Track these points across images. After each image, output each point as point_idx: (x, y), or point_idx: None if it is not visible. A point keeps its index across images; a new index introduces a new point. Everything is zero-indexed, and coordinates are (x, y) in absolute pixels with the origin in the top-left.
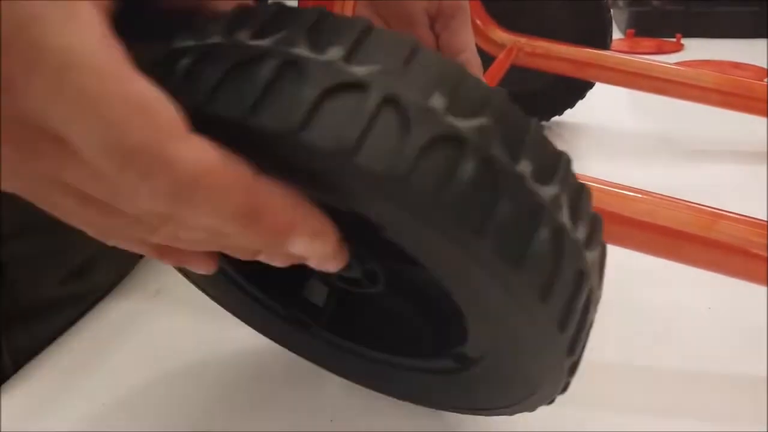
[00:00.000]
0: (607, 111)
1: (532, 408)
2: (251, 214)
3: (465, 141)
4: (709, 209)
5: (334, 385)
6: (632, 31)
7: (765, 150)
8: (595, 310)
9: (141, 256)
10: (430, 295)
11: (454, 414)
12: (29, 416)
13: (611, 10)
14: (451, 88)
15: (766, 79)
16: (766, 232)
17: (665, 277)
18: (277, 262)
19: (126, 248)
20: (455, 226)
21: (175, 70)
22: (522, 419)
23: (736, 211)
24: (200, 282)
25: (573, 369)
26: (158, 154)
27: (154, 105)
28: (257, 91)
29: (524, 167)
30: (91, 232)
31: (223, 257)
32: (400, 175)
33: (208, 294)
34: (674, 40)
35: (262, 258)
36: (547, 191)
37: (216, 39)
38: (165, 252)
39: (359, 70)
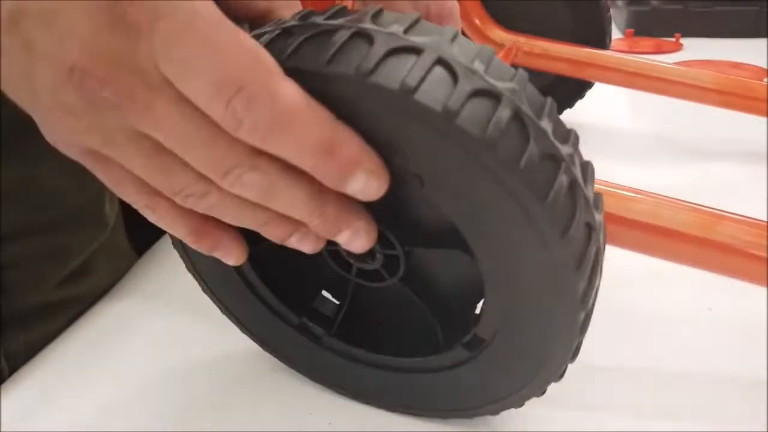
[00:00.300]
0: (606, 111)
1: (541, 389)
2: (328, 147)
3: (500, 95)
4: (710, 210)
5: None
6: (631, 30)
7: (764, 150)
8: (600, 275)
9: (137, 258)
10: (442, 283)
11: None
12: (27, 417)
13: (610, 10)
14: (487, 60)
15: (765, 79)
16: (766, 234)
17: (665, 278)
18: (309, 243)
19: (170, 223)
20: (495, 159)
21: (258, 42)
22: (522, 421)
23: (736, 212)
24: (216, 288)
25: (584, 326)
26: (264, 88)
27: (259, 51)
28: (333, 49)
29: (546, 125)
30: (141, 199)
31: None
32: (450, 111)
33: (221, 302)
34: (673, 39)
35: (295, 239)
36: (564, 149)
37: (292, 22)
38: (203, 233)
39: (416, 40)
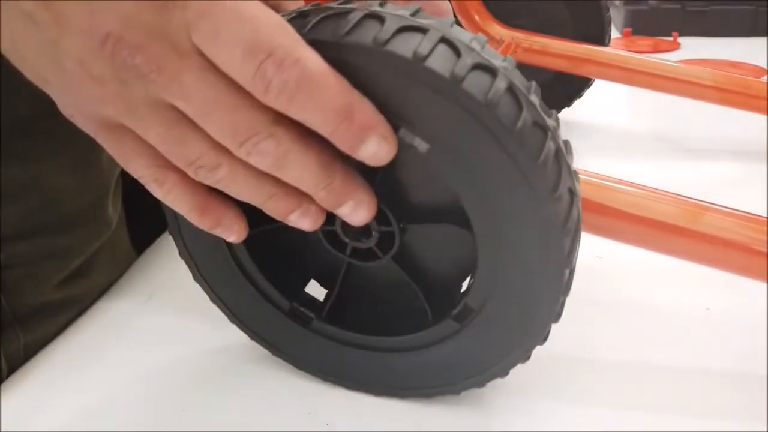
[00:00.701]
0: (605, 108)
1: (526, 354)
2: (347, 111)
3: (496, 70)
4: (695, 201)
5: (331, 388)
6: (629, 30)
7: (762, 147)
8: (579, 242)
9: (136, 258)
10: (431, 261)
11: (453, 415)
12: (27, 417)
13: (610, 9)
14: (482, 43)
15: (763, 78)
16: (751, 224)
17: (663, 277)
18: (309, 220)
19: (176, 197)
20: (495, 121)
21: None
22: (521, 419)
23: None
24: (208, 274)
25: (568, 284)
26: (292, 52)
27: (285, 23)
28: (350, 25)
29: (534, 99)
30: (150, 173)
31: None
32: (457, 77)
33: (211, 289)
34: (671, 39)
35: (296, 216)
36: (550, 121)
37: (307, 7)
38: (207, 209)
39: (422, 22)
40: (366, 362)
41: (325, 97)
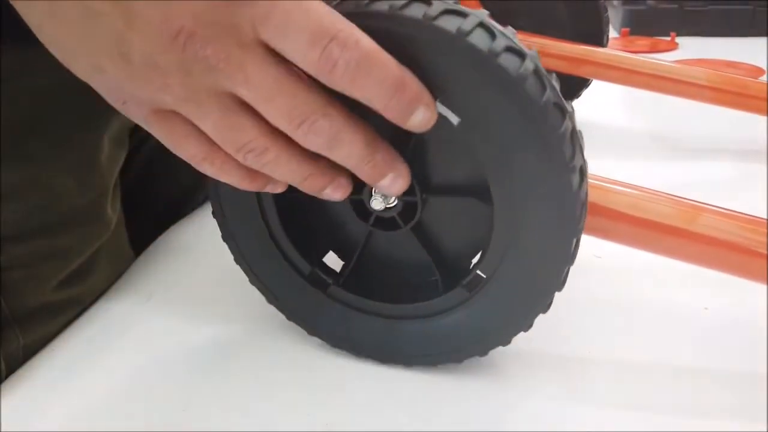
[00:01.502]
0: (602, 109)
1: (529, 322)
2: (399, 84)
3: (525, 54)
4: (691, 202)
5: (331, 389)
6: (627, 30)
7: (759, 147)
8: (585, 215)
9: (134, 258)
10: (446, 234)
11: (452, 416)
12: (27, 417)
13: (608, 10)
14: (512, 32)
15: (761, 77)
16: (748, 225)
17: (661, 276)
18: (340, 192)
19: (227, 171)
20: (524, 94)
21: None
22: (517, 418)
23: (730, 208)
24: (239, 234)
25: (575, 252)
26: (351, 35)
27: (335, 11)
28: (403, 2)
29: (555, 83)
30: (201, 152)
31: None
32: (494, 52)
33: (239, 249)
34: (669, 39)
35: (329, 190)
36: (567, 105)
37: None
38: (255, 176)
39: (462, 8)
40: (376, 329)
41: (382, 73)
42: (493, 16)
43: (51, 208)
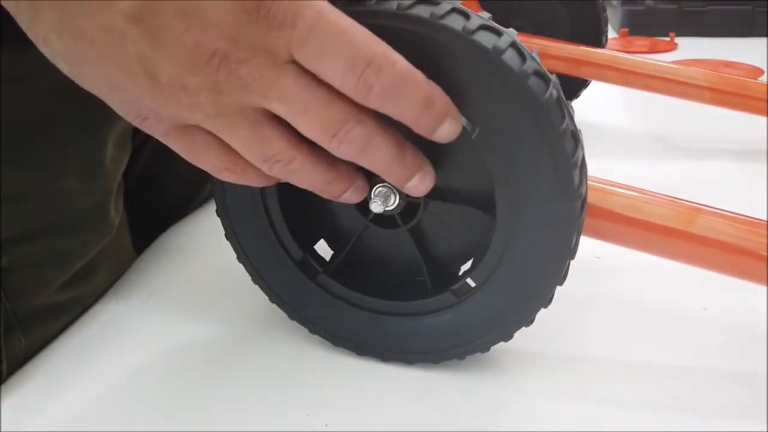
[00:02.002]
0: (601, 109)
1: (531, 317)
2: (429, 101)
3: (550, 80)
4: (689, 204)
5: (330, 389)
6: (626, 30)
7: (759, 147)
8: (585, 211)
9: (135, 258)
10: (441, 239)
11: (450, 418)
12: (27, 417)
13: (606, 10)
14: (538, 56)
15: (760, 78)
16: (747, 227)
17: (661, 277)
18: (358, 195)
19: (248, 177)
20: (549, 120)
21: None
22: (516, 418)
23: (730, 209)
24: (235, 212)
25: (575, 246)
26: (385, 58)
27: (375, 36)
28: (443, 11)
29: (572, 111)
30: (222, 163)
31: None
32: (524, 73)
33: (232, 227)
34: (668, 39)
35: (348, 194)
36: (569, 105)
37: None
38: (272, 177)
39: (496, 26)
40: (362, 323)
41: (414, 91)
42: (492, 16)
43: (55, 210)
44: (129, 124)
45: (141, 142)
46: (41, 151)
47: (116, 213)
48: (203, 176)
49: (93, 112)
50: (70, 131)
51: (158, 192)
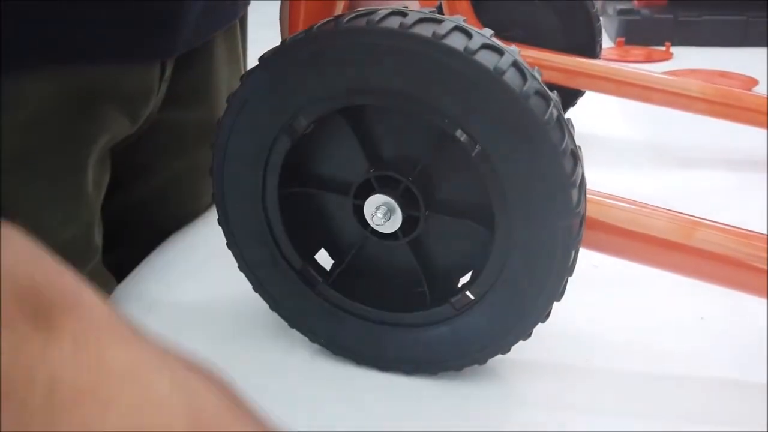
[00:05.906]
0: (597, 120)
1: (528, 331)
2: None
3: (550, 99)
4: (688, 217)
5: (331, 390)
6: (622, 40)
7: (758, 158)
8: (584, 228)
9: (115, 284)
10: (440, 253)
11: (450, 424)
12: None
13: (601, 19)
14: (539, 73)
15: (754, 88)
16: (745, 240)
17: (658, 286)
18: None
19: None
20: (547, 141)
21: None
22: (516, 427)
23: (726, 220)
24: (235, 220)
25: (573, 264)
26: None
27: None
28: (445, 30)
29: (572, 129)
30: None
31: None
32: (525, 95)
33: (231, 233)
34: (663, 48)
35: None
36: (569, 123)
37: (400, 7)
38: None
39: (498, 45)
40: (361, 333)
41: None
42: (485, 26)
43: (38, 241)
44: (106, 144)
45: (124, 166)
46: (23, 183)
47: (99, 237)
48: (200, 193)
49: (72, 141)
50: (51, 161)
51: (147, 221)
